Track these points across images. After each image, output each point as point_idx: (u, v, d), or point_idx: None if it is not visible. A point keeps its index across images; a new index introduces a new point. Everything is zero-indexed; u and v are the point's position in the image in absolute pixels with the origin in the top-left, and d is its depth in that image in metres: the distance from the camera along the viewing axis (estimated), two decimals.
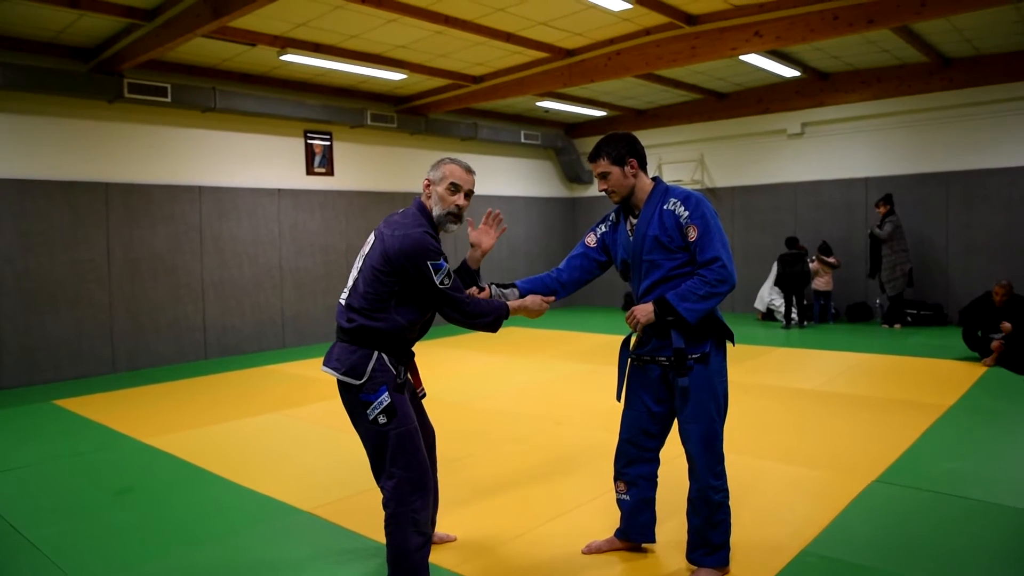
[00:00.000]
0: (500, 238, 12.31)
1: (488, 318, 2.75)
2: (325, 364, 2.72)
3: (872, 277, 9.90)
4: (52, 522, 3.69)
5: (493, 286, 2.98)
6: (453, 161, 2.83)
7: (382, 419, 2.62)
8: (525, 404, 6.05)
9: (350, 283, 2.75)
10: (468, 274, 2.99)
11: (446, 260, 2.68)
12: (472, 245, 3.02)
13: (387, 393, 2.63)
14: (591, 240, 3.09)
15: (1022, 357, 6.64)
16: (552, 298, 2.96)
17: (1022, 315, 6.93)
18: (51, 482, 4.36)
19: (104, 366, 7.94)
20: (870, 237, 9.74)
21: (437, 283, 2.63)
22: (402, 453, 2.63)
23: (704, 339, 2.80)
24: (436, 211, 2.79)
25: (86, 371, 7.80)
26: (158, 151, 8.42)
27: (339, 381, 2.67)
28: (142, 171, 8.27)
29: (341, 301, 2.76)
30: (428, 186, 2.80)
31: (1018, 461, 4.28)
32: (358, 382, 2.62)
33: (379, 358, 2.65)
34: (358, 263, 2.75)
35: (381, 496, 2.68)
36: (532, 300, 2.90)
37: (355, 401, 2.65)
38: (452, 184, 2.78)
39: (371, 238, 2.77)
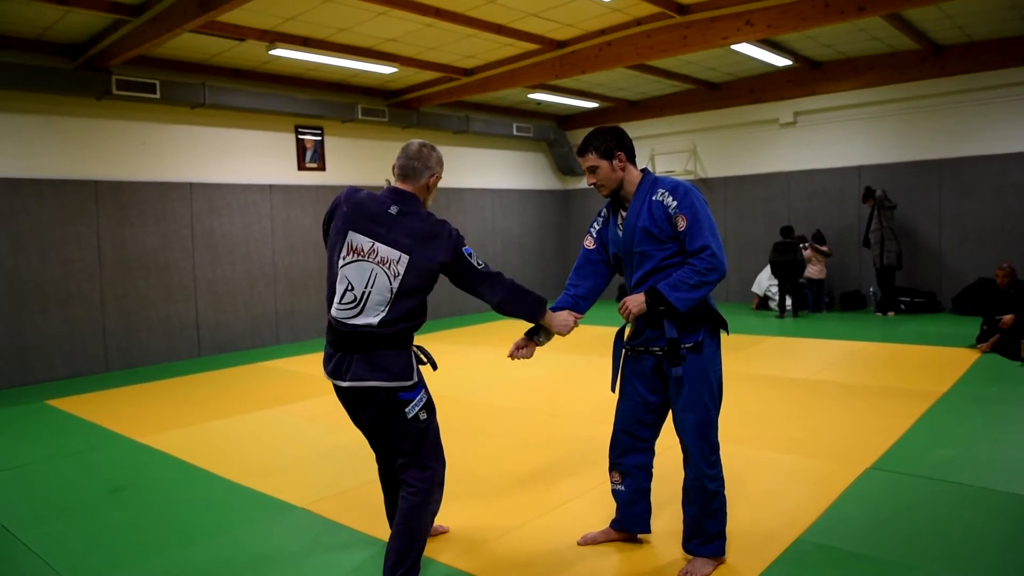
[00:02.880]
0: (495, 231, 12.16)
1: (532, 295, 2.81)
2: (360, 379, 2.57)
3: (866, 245, 9.84)
4: (46, 522, 3.67)
5: (538, 338, 3.02)
6: (439, 153, 2.89)
7: (423, 415, 2.67)
8: (521, 397, 6.05)
9: (367, 287, 2.59)
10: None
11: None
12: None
13: (424, 390, 2.69)
14: (590, 243, 3.08)
15: (1018, 343, 6.65)
16: (580, 315, 3.00)
17: None
18: (45, 482, 4.34)
19: (97, 365, 7.91)
20: (876, 203, 9.61)
21: (478, 265, 2.71)
22: (434, 447, 2.73)
23: (697, 328, 2.80)
24: (430, 203, 2.84)
25: (79, 370, 7.76)
26: (148, 148, 8.36)
27: (368, 388, 2.59)
28: (132, 168, 8.22)
29: (348, 313, 2.61)
30: (436, 180, 2.81)
31: (1012, 447, 4.29)
32: (410, 383, 2.62)
33: (416, 357, 2.70)
34: (379, 279, 2.59)
35: (387, 488, 2.83)
36: (560, 314, 2.93)
37: (391, 402, 2.62)
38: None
39: (390, 252, 2.60)
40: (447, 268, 2.68)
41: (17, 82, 7.10)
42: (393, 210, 2.67)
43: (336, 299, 2.65)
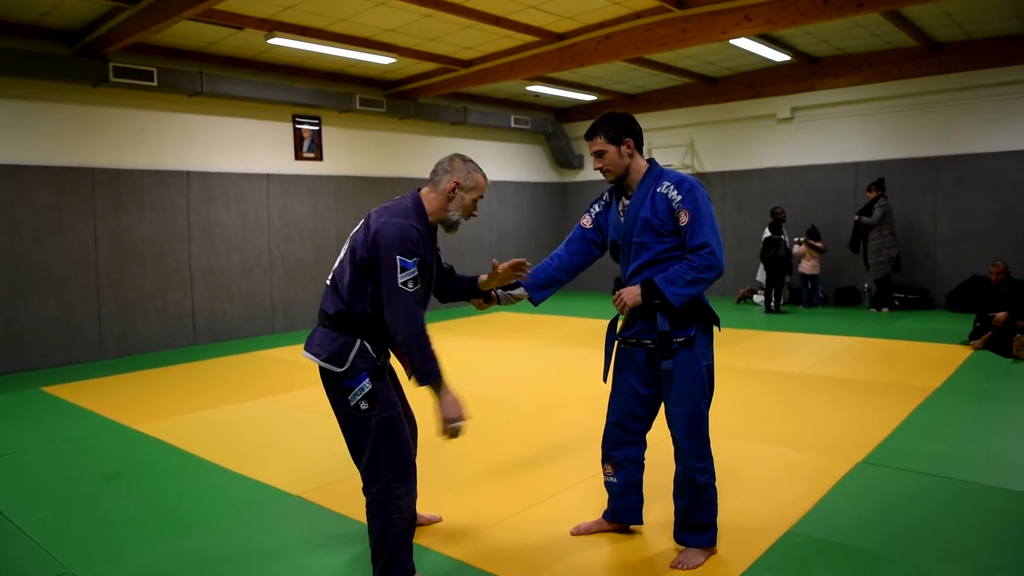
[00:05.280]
0: (491, 223, 12.17)
1: (431, 362, 2.55)
2: (306, 349, 2.70)
3: (854, 251, 9.91)
4: (43, 508, 3.68)
5: (498, 290, 3.03)
6: (479, 170, 2.81)
7: (364, 405, 2.61)
8: (515, 388, 6.07)
9: (336, 266, 2.73)
10: (474, 290, 3.02)
11: (419, 267, 2.56)
12: (491, 274, 2.96)
13: (368, 379, 2.61)
14: (587, 222, 3.09)
15: (1010, 340, 6.70)
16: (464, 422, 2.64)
17: (1018, 297, 6.99)
18: (41, 469, 4.35)
19: (93, 352, 7.91)
20: (855, 224, 9.79)
21: (399, 281, 2.51)
22: (384, 439, 2.63)
23: (689, 323, 2.81)
24: (454, 215, 2.76)
25: (75, 357, 7.76)
26: (145, 136, 8.34)
27: (320, 367, 2.66)
28: (129, 156, 8.20)
29: (328, 283, 2.75)
30: (455, 188, 2.73)
31: (1002, 442, 4.33)
32: (339, 369, 2.60)
33: (361, 346, 2.63)
34: (345, 247, 2.73)
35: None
36: (448, 402, 2.58)
37: (336, 387, 2.64)
38: (480, 197, 2.81)
39: (360, 222, 2.75)
40: (374, 255, 2.57)
41: (13, 68, 7.06)
42: (395, 198, 2.80)
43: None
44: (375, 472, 2.62)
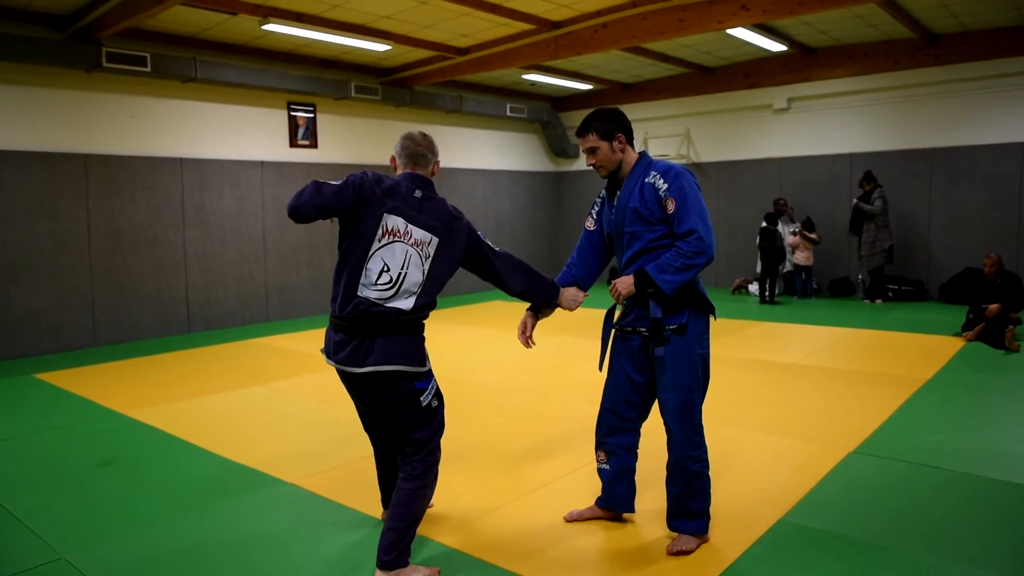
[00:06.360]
0: (486, 212, 12.11)
1: (547, 281, 3.01)
2: (381, 363, 2.55)
3: (855, 234, 9.90)
4: (35, 494, 3.68)
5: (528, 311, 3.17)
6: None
7: (435, 403, 2.71)
8: (510, 376, 6.08)
9: (407, 263, 2.60)
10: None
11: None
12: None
13: (434, 378, 2.73)
14: (590, 224, 3.15)
15: (1003, 332, 6.73)
16: (586, 292, 3.16)
17: (1011, 289, 7.02)
18: (33, 455, 4.35)
19: (86, 339, 7.88)
20: (854, 208, 9.78)
21: (492, 247, 2.84)
22: (441, 430, 2.77)
23: (682, 310, 2.83)
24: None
25: (67, 344, 7.74)
26: (139, 122, 8.28)
27: (384, 373, 2.57)
28: (122, 142, 8.15)
29: (385, 294, 2.57)
30: (438, 168, 2.87)
31: (993, 433, 4.36)
32: (424, 369, 2.66)
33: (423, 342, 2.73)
34: (413, 259, 2.61)
35: (385, 473, 2.92)
36: (569, 291, 3.10)
37: (409, 390, 2.63)
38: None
39: (423, 234, 2.63)
40: (467, 254, 2.79)
41: (4, 52, 6.99)
42: (418, 194, 2.70)
43: (370, 280, 2.58)
44: (434, 461, 2.73)
